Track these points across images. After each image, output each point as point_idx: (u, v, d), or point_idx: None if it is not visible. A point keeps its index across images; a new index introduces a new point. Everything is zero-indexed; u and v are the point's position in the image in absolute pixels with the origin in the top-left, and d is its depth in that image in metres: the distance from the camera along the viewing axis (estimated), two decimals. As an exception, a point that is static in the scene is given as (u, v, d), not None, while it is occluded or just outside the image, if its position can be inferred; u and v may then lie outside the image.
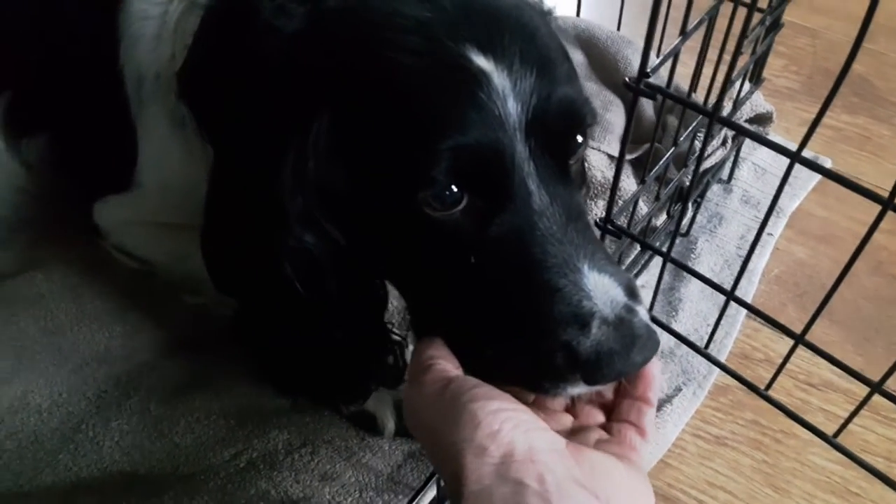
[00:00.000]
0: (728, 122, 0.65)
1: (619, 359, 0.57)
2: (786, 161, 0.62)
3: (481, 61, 0.58)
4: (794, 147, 0.60)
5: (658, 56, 0.74)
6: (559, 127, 0.62)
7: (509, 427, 0.53)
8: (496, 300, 0.61)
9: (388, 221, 0.64)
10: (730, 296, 0.75)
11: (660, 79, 0.88)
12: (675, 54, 0.67)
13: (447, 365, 0.61)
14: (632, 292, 0.60)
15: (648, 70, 0.62)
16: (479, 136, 0.58)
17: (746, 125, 1.09)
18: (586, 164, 1.08)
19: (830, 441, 0.74)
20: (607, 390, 0.68)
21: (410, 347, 0.80)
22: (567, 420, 0.65)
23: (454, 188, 0.59)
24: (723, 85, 0.62)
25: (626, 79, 0.64)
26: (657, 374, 0.67)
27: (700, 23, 0.68)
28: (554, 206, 0.61)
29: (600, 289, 0.58)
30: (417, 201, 0.60)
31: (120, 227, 0.98)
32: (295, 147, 0.62)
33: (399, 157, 0.60)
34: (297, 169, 0.62)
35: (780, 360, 0.82)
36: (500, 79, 0.58)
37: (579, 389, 0.60)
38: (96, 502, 0.79)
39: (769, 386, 0.79)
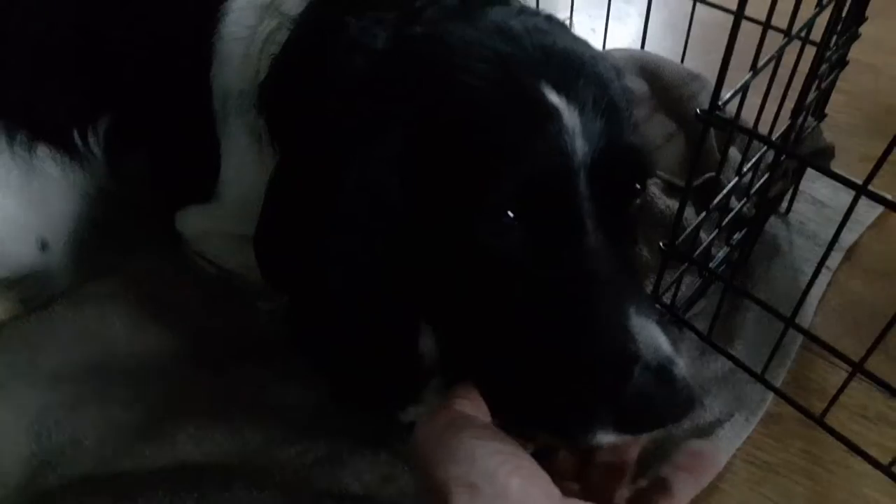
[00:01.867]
0: (797, 155, 0.68)
1: (660, 408, 0.58)
2: (844, 195, 0.64)
3: (555, 98, 0.61)
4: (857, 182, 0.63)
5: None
6: (622, 172, 0.64)
7: (506, 470, 0.52)
8: (537, 336, 0.62)
9: (439, 244, 0.65)
10: (789, 322, 0.77)
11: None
12: (744, 89, 0.70)
13: (468, 406, 0.60)
14: (674, 345, 0.61)
15: (720, 103, 0.64)
16: (545, 167, 0.60)
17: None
18: (648, 191, 1.10)
19: (886, 470, 0.75)
20: (632, 450, 0.66)
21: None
22: (573, 487, 0.65)
23: (512, 215, 0.60)
24: (793, 118, 0.65)
25: (698, 110, 0.67)
26: (714, 463, 0.64)
27: (770, 59, 0.71)
28: (608, 248, 0.62)
29: (645, 335, 0.59)
30: (474, 226, 0.61)
31: (200, 236, 1.04)
32: (360, 156, 0.65)
33: (463, 178, 0.62)
34: (360, 177, 0.65)
35: (833, 392, 0.83)
36: (571, 117, 0.61)
37: (609, 438, 0.59)
38: (169, 489, 0.82)
39: (825, 413, 0.80)
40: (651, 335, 0.59)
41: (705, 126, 0.66)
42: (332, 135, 0.68)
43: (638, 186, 0.66)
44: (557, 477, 0.61)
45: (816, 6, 0.80)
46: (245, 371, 0.94)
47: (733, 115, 0.74)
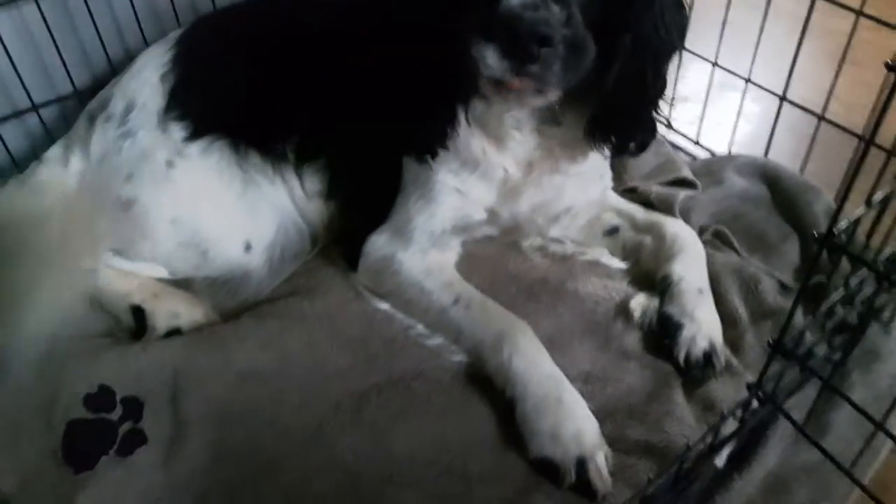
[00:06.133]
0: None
1: (520, 21, 0.84)
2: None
3: None
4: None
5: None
6: None
7: None
8: None
9: None
10: (879, 426, 0.85)
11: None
12: (857, 222, 0.81)
13: None
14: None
15: (836, 230, 0.76)
16: None
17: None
18: (760, 287, 1.22)
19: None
20: None
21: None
22: None
23: None
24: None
25: (815, 233, 0.77)
26: None
27: (887, 197, 0.81)
28: None
29: None
30: None
31: (382, 267, 1.21)
32: None
33: None
34: None
35: (917, 497, 0.90)
36: None
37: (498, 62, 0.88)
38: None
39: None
40: None
41: (819, 248, 0.77)
42: None
43: None
44: None
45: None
46: (398, 397, 1.08)
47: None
